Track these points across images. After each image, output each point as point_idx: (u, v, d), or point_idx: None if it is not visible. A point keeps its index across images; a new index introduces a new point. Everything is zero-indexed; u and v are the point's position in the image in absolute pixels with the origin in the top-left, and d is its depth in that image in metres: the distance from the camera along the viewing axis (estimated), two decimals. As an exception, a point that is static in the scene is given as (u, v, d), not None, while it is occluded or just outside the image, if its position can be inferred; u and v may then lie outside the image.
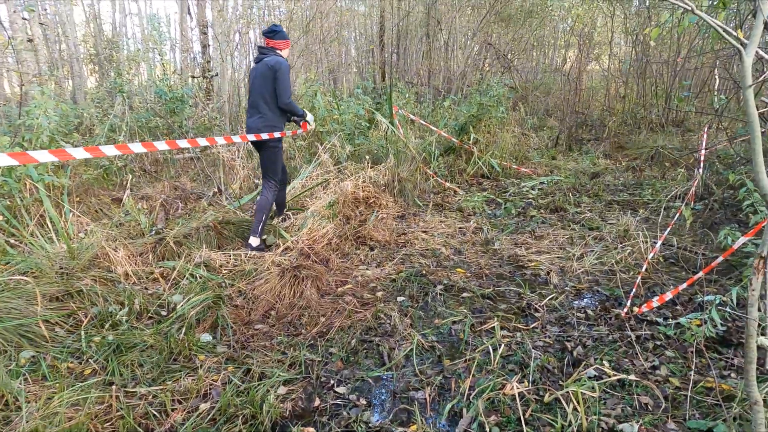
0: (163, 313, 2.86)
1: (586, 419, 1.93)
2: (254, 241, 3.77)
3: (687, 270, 3.47)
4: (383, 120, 5.81)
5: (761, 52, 1.64)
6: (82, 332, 2.56)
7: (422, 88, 10.48)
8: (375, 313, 2.88)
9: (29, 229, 3.45)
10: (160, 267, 3.35)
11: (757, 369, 1.61)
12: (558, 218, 4.79)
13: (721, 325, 2.51)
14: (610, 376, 2.21)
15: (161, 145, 2.91)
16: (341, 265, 3.63)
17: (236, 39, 8.15)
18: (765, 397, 1.87)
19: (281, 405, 2.08)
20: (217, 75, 7.50)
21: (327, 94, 7.32)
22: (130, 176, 4.96)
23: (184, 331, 2.60)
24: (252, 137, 3.71)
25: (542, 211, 5.05)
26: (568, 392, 2.08)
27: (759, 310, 1.39)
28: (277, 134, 3.82)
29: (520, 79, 11.05)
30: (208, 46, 7.45)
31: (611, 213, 4.90)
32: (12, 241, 3.38)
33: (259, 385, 2.20)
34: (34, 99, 3.94)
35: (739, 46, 1.26)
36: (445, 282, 3.35)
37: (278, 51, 3.90)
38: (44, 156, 2.30)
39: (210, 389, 2.19)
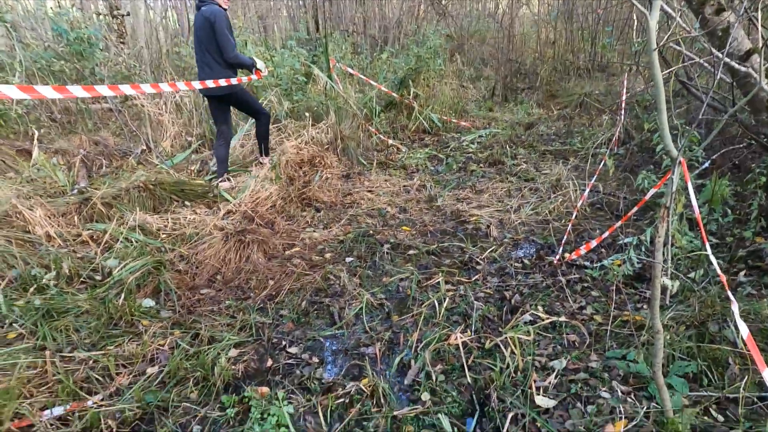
0: (98, 277, 2.73)
1: (522, 360, 2.12)
2: (264, 160, 4.37)
3: (611, 214, 3.76)
4: (321, 75, 5.62)
5: (666, 8, 1.72)
6: (0, 295, 2.39)
7: (358, 38, 10.16)
8: (324, 275, 2.91)
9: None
10: (89, 230, 3.15)
11: (661, 302, 1.82)
12: (497, 171, 4.97)
13: (638, 263, 2.78)
14: (543, 320, 2.41)
15: (78, 91, 2.58)
16: (287, 227, 3.59)
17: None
18: (665, 323, 2.15)
19: (233, 367, 2.10)
20: (128, 14, 6.78)
21: (258, 44, 6.91)
22: (37, 127, 4.46)
23: (123, 296, 2.50)
24: (200, 86, 3.69)
25: (482, 165, 5.20)
26: (506, 338, 2.25)
27: (663, 255, 1.55)
28: (233, 81, 3.81)
29: (456, 26, 10.98)
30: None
31: (545, 163, 5.14)
32: None
33: (209, 348, 2.19)
34: None
35: (644, 9, 1.33)
36: (392, 241, 3.42)
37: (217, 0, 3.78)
38: None
39: (157, 354, 2.16)
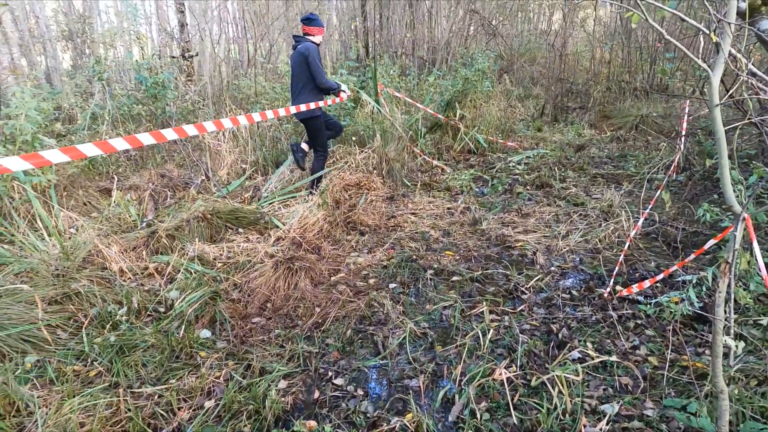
0: (162, 309, 2.92)
1: (570, 401, 2.07)
2: (313, 193, 4.58)
3: (668, 246, 3.60)
4: (368, 99, 5.77)
5: (734, 51, 1.68)
6: (84, 334, 2.62)
7: (406, 60, 10.33)
8: (368, 302, 2.98)
9: (21, 229, 3.45)
10: (155, 262, 3.39)
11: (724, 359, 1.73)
12: (544, 194, 4.88)
13: (698, 302, 2.65)
14: (593, 359, 2.35)
15: (147, 139, 2.83)
16: (333, 252, 3.70)
17: (214, 15, 7.92)
18: (733, 375, 2.02)
19: (283, 399, 2.19)
20: (197, 55, 7.32)
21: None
22: (116, 167, 4.92)
23: (183, 328, 2.67)
24: (285, 113, 4.27)
25: (528, 187, 5.13)
26: (553, 376, 2.21)
27: (725, 312, 1.48)
28: (312, 105, 4.35)
29: (505, 46, 10.92)
30: (186, 24, 7.23)
31: (596, 187, 5.00)
32: (4, 246, 3.38)
33: (260, 380, 2.30)
34: (14, 96, 3.85)
35: (706, 67, 1.31)
36: (435, 266, 3.45)
37: (310, 37, 4.41)
38: (17, 164, 2.22)
39: (213, 386, 2.29)
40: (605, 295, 2.93)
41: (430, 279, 3.30)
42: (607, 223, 3.97)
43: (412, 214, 4.48)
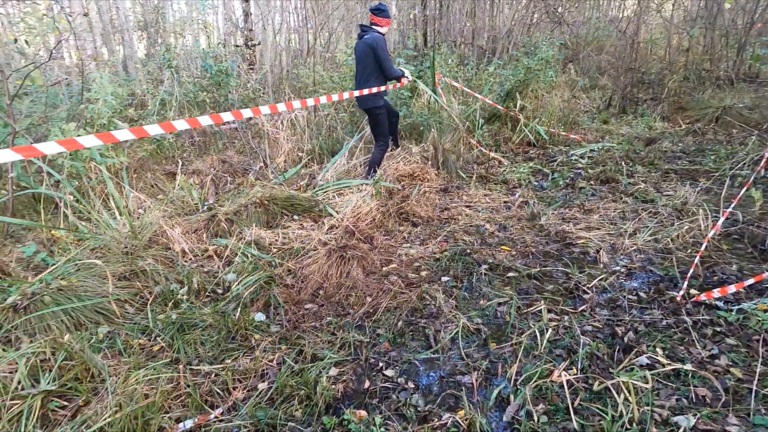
0: (219, 291, 3.02)
1: (638, 410, 1.92)
2: (368, 180, 4.57)
3: (753, 249, 3.27)
4: (426, 89, 5.67)
5: None
6: (149, 310, 2.75)
7: (465, 49, 10.08)
8: (420, 294, 2.92)
9: (96, 208, 3.68)
10: (214, 245, 3.51)
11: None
12: (609, 190, 4.59)
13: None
14: (664, 366, 2.17)
15: (205, 120, 2.93)
16: (385, 243, 3.67)
17: (277, 5, 8.07)
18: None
19: (333, 386, 2.18)
20: (259, 44, 7.50)
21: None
22: (181, 152, 5.15)
23: (239, 310, 2.74)
24: (348, 95, 4.39)
25: (592, 182, 4.85)
26: (618, 382, 2.06)
27: None
28: (374, 90, 4.41)
29: (571, 34, 10.39)
30: (250, 14, 7.42)
31: (668, 183, 4.64)
32: (82, 223, 3.63)
33: (311, 366, 2.31)
34: (94, 82, 4.11)
35: None
36: (490, 261, 3.33)
37: (377, 27, 4.46)
38: (91, 140, 2.35)
39: (266, 369, 2.32)
40: (678, 298, 2.70)
41: (485, 274, 3.19)
42: (681, 222, 3.67)
43: (467, 206, 4.36)
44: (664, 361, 2.19)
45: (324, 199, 4.31)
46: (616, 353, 2.34)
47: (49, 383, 2.15)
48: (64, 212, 3.59)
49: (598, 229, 3.79)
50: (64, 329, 2.57)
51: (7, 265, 3.14)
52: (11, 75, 3.84)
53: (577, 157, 5.61)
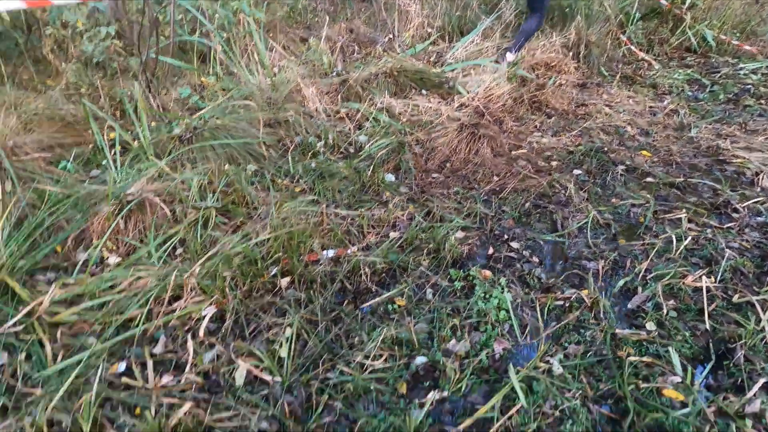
0: (351, 150, 3.17)
1: (782, 328, 1.83)
2: (510, 56, 4.22)
3: None
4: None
5: None
6: (290, 157, 2.99)
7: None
8: (550, 182, 2.86)
9: (241, 60, 3.88)
10: (346, 108, 3.62)
11: None
12: (784, 112, 3.94)
13: None
14: (821, 293, 1.99)
15: None
16: (515, 128, 3.54)
17: None
18: None
19: (459, 246, 2.30)
20: None
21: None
22: (312, 17, 5.14)
23: (372, 168, 2.88)
24: None
25: (762, 101, 4.17)
26: (763, 299, 1.95)
27: None
28: None
29: None
30: None
31: None
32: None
33: (440, 226, 2.43)
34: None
35: None
36: (628, 163, 3.12)
37: None
38: None
39: (397, 222, 2.49)
40: None
41: (621, 175, 3.01)
42: None
43: (607, 105, 4.00)
44: (822, 289, 2.01)
45: (453, 77, 4.17)
46: (763, 275, 2.18)
47: (213, 202, 2.49)
48: (214, 59, 3.84)
49: (761, 151, 3.34)
50: (222, 161, 2.90)
51: (167, 104, 3.52)
52: None
53: (747, 72, 4.80)
